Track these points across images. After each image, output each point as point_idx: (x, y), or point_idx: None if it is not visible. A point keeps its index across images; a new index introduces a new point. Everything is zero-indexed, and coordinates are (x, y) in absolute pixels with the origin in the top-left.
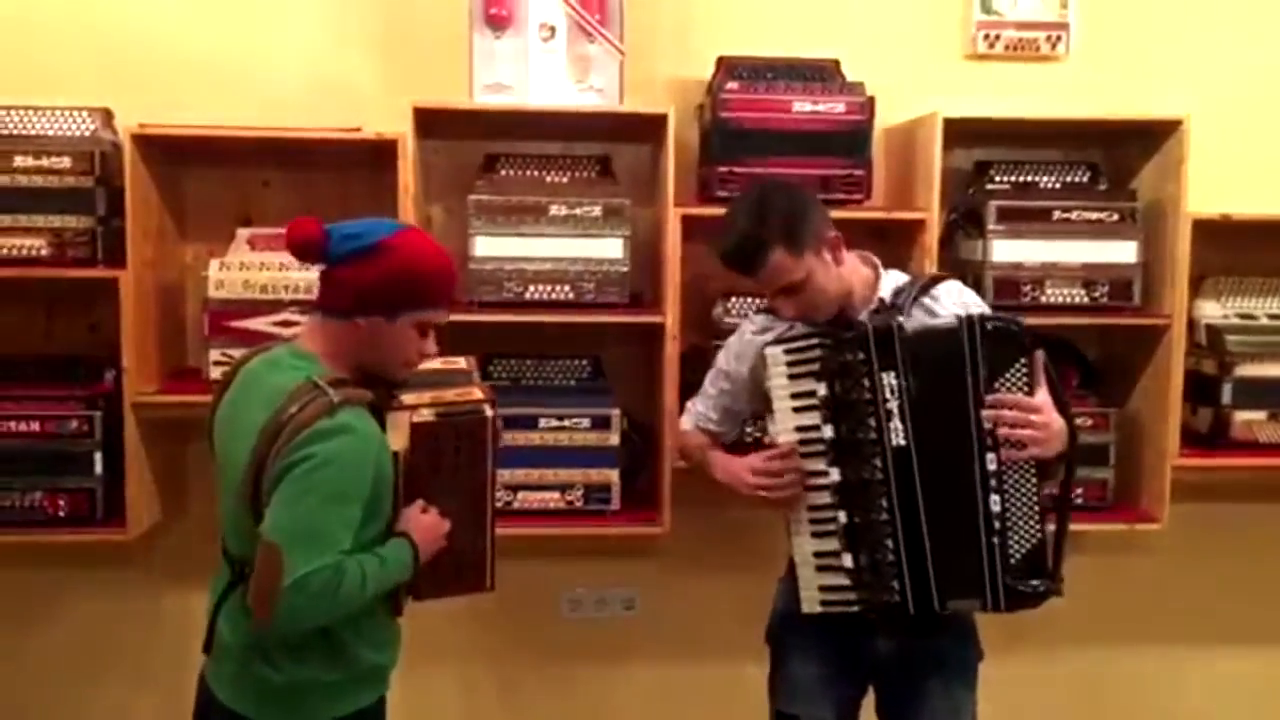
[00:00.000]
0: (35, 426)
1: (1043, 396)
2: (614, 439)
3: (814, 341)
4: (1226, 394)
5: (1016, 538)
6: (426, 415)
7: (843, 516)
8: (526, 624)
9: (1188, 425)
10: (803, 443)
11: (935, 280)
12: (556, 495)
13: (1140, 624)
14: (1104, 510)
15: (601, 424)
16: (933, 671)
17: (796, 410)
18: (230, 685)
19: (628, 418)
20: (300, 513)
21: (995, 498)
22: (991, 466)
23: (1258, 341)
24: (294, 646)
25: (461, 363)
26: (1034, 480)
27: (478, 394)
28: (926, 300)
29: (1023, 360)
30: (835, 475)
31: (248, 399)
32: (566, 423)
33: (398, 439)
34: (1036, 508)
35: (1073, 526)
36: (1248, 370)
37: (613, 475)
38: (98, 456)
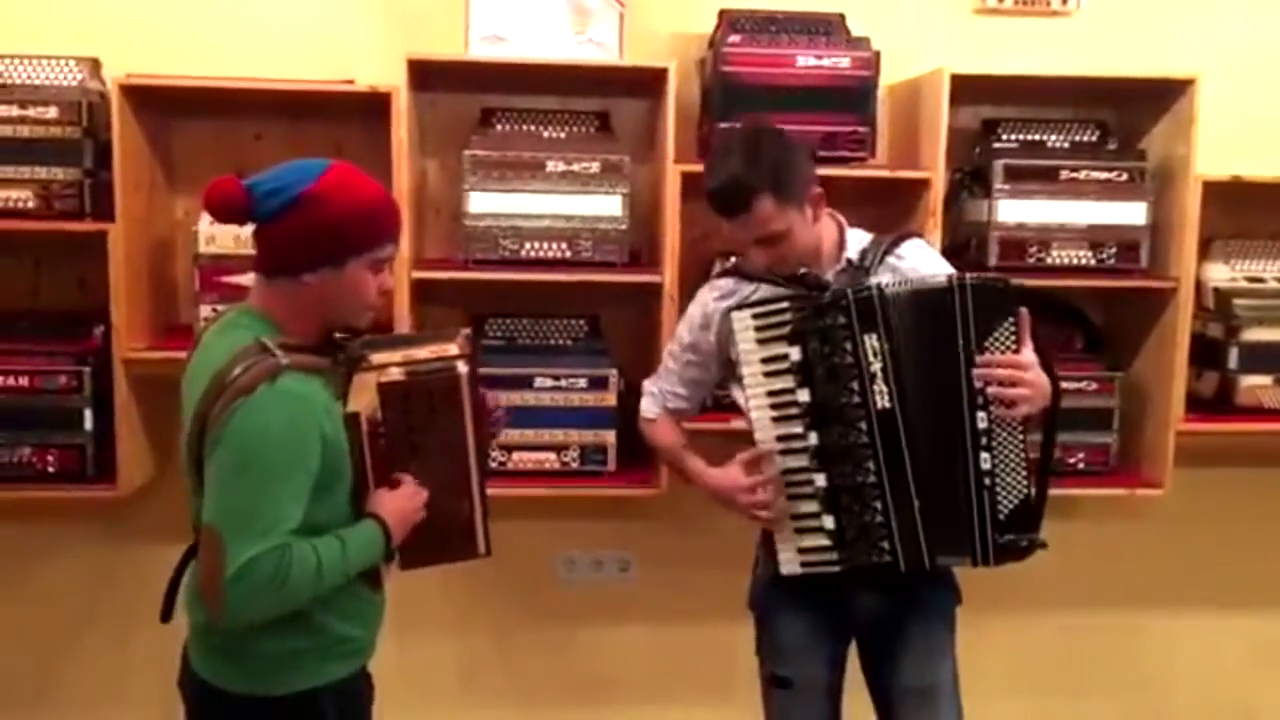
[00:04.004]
0: (24, 382)
1: (1029, 354)
2: (611, 399)
3: (784, 305)
4: (1233, 358)
5: (1005, 494)
6: (395, 375)
7: (822, 479)
8: (522, 585)
9: (1193, 390)
10: (775, 407)
11: (900, 238)
12: (552, 456)
13: (1141, 589)
14: (1106, 475)
15: (598, 384)
16: (912, 615)
17: (768, 375)
18: (199, 653)
19: (626, 378)
20: (238, 493)
21: (985, 455)
22: (982, 425)
23: (1265, 305)
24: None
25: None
26: (1021, 437)
27: (453, 350)
28: (891, 259)
29: (1011, 319)
30: (814, 439)
31: (201, 365)
32: (563, 383)
33: (362, 401)
34: (1024, 463)
35: (1074, 491)
36: (1254, 335)
37: (609, 436)
38: (87, 413)
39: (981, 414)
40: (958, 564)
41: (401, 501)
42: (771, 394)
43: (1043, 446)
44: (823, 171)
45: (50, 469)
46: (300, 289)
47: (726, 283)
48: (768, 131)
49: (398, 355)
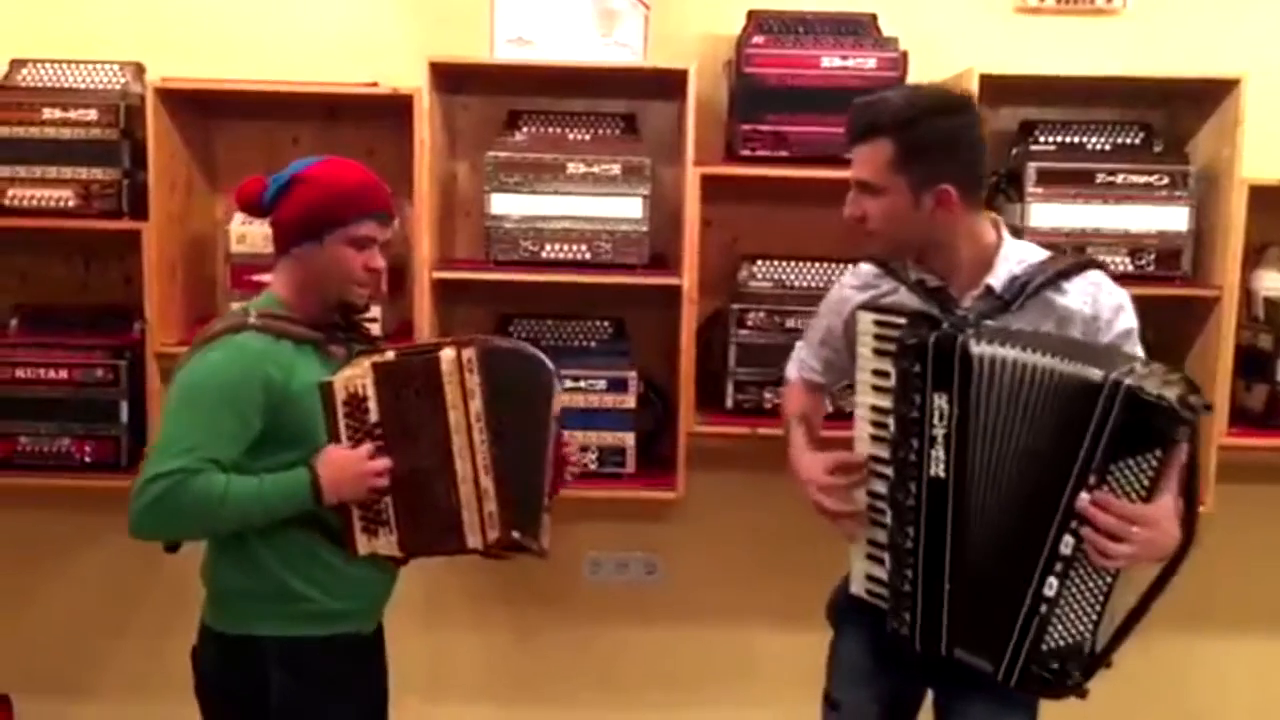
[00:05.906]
0: (64, 374)
1: (1164, 503)
2: (630, 402)
3: (901, 320)
4: None
5: (1060, 628)
6: (387, 355)
7: (890, 517)
8: (547, 585)
9: (1242, 403)
10: (874, 424)
11: (1075, 268)
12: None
13: (1182, 610)
14: None
15: (618, 386)
16: (988, 688)
17: (875, 389)
18: None
19: (649, 380)
20: (167, 422)
21: (1053, 580)
22: (1065, 551)
23: None
24: (217, 550)
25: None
26: (1109, 580)
27: (449, 340)
28: (1050, 294)
29: (1158, 452)
30: (892, 472)
31: None
32: (582, 384)
33: (350, 373)
34: (1097, 608)
35: None
36: None
37: (628, 438)
38: (124, 405)
39: (1069, 538)
40: (975, 666)
41: (346, 461)
42: (874, 409)
43: (1141, 600)
44: (845, 174)
45: (87, 459)
46: (293, 265)
47: (868, 271)
48: (957, 105)
49: (402, 345)
